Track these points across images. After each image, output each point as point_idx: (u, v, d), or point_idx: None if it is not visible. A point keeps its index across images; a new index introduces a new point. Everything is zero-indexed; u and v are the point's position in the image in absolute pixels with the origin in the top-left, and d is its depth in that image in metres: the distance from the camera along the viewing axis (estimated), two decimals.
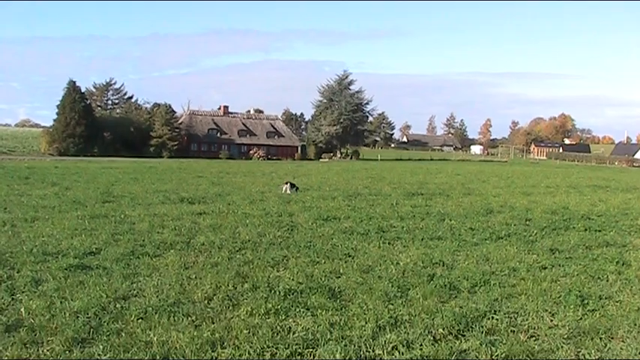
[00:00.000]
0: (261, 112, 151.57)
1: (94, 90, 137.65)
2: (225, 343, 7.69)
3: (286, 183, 30.12)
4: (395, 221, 18.64)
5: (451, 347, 7.78)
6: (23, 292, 9.82)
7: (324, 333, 8.08)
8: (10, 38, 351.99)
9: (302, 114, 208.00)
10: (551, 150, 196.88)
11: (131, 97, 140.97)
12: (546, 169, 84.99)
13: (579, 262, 13.24)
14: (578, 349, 7.97)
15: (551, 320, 9.07)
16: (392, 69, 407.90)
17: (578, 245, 15.42)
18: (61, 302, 9.25)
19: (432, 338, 8.04)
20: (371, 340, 7.87)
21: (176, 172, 47.38)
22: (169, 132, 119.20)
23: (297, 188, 29.75)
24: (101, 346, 7.49)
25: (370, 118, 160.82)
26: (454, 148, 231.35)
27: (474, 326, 8.57)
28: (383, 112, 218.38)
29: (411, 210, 21.77)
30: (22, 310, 8.81)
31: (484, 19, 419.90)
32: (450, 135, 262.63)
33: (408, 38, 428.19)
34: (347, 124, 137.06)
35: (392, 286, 10.55)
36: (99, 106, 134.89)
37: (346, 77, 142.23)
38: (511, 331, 8.49)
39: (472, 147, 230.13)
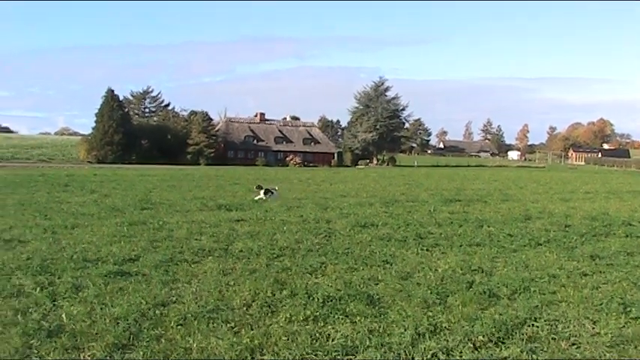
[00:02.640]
0: (297, 119, 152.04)
1: (131, 98, 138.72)
2: (265, 350, 7.68)
3: (260, 188, 28.18)
4: (433, 228, 18.53)
5: (491, 355, 7.72)
6: (64, 298, 9.90)
7: (363, 340, 8.04)
8: (48, 48, 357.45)
9: (338, 121, 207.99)
10: (589, 155, 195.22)
11: (168, 105, 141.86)
12: (585, 174, 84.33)
13: (621, 269, 13.04)
14: (622, 358, 7.86)
15: (593, 328, 8.94)
16: (427, 75, 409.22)
17: (619, 252, 15.20)
18: (101, 308, 9.31)
19: (471, 346, 7.97)
20: (410, 347, 7.82)
21: (213, 179, 47.58)
22: (206, 139, 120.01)
23: (272, 193, 27.86)
24: (141, 352, 7.53)
25: (406, 125, 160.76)
26: (491, 154, 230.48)
27: (514, 334, 8.48)
28: (419, 119, 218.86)
29: (449, 216, 21.66)
30: (64, 315, 8.89)
31: (520, 23, 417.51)
32: (486, 141, 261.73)
33: (443, 44, 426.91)
34: (383, 131, 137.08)
35: (430, 292, 10.47)
36: (136, 114, 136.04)
37: (382, 84, 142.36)
38: (552, 338, 8.38)
39: (509, 153, 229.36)
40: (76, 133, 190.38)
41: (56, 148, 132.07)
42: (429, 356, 7.61)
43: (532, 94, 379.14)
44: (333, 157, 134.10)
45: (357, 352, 7.66)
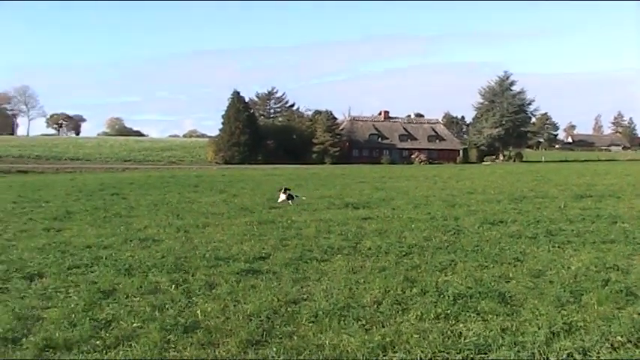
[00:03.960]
0: (421, 116, 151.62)
1: (256, 99, 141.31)
2: (396, 348, 7.66)
3: (283, 191, 25.52)
4: (564, 224, 18.03)
5: (631, 356, 7.44)
6: (198, 295, 10.21)
7: (496, 338, 7.91)
8: (176, 53, 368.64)
9: (462, 117, 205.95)
10: None
11: (292, 105, 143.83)
12: None
13: None
14: None
15: None
16: (553, 68, 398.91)
17: None
18: (234, 305, 9.55)
19: (609, 346, 7.70)
20: (544, 347, 7.63)
21: (339, 177, 47.87)
22: (331, 138, 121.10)
23: (294, 197, 25.10)
24: (274, 349, 7.64)
25: (533, 119, 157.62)
26: (622, 148, 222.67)
27: None
28: (546, 113, 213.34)
29: (580, 212, 20.99)
30: (199, 312, 9.16)
31: None
32: (617, 134, 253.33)
33: (569, 36, 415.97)
34: (509, 126, 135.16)
35: (564, 291, 10.18)
36: (262, 114, 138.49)
37: (507, 78, 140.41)
38: None
39: None
40: (203, 135, 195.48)
41: (185, 150, 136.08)
42: (564, 356, 7.41)
43: None
44: (459, 154, 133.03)
45: (489, 351, 7.55)
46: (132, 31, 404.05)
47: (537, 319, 8.66)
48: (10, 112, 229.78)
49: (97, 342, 7.97)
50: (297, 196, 25.84)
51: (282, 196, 24.95)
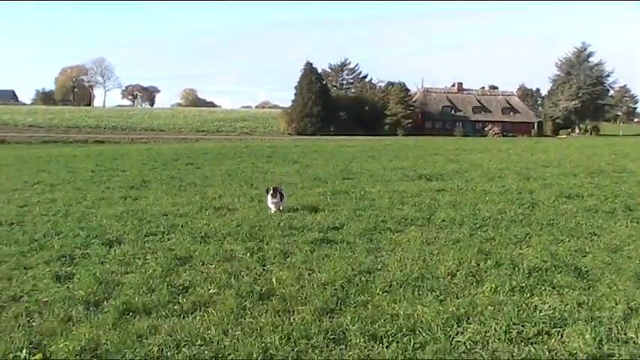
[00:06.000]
0: (495, 88, 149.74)
1: (329, 71, 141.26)
2: (471, 319, 7.63)
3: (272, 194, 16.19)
4: None
5: None
6: (273, 264, 10.36)
7: (572, 312, 7.82)
8: (249, 25, 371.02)
9: (538, 89, 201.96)
10: None
11: (365, 77, 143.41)
12: None
13: None
14: None
15: None
16: (634, 37, 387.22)
17: None
18: (308, 274, 9.68)
19: None
20: (622, 322, 7.51)
21: (412, 149, 47.55)
22: (403, 110, 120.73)
23: (282, 196, 15.89)
24: (349, 317, 7.68)
25: (611, 92, 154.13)
26: None
27: None
28: (625, 85, 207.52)
29: None
30: (274, 280, 9.31)
31: None
32: None
33: None
34: (586, 99, 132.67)
35: None
36: (334, 86, 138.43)
37: (584, 49, 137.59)
38: None
39: None
40: (275, 106, 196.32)
41: (257, 121, 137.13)
42: None
43: None
44: (533, 127, 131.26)
45: (565, 325, 7.46)
46: (205, 3, 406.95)
47: (615, 295, 8.52)
48: (87, 84, 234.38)
49: (175, 307, 8.17)
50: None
51: (272, 204, 15.58)
